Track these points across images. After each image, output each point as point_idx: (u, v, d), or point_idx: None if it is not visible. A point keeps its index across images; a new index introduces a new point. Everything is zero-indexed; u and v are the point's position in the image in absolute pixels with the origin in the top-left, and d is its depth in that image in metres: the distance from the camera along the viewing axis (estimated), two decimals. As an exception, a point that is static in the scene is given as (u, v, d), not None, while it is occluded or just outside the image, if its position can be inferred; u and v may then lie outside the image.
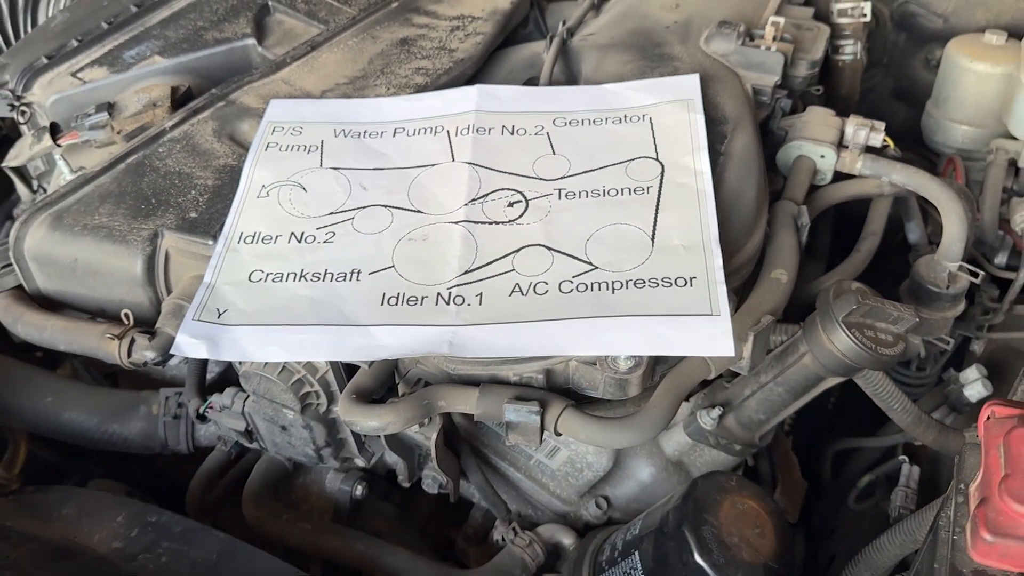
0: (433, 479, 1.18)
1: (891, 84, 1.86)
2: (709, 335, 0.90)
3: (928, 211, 1.47)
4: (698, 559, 0.94)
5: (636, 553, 1.03)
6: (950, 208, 1.16)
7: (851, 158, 1.22)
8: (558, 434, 0.95)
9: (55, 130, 1.28)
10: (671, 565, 0.98)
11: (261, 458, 1.26)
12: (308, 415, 1.04)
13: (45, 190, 1.40)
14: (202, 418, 1.15)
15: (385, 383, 1.02)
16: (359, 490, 1.23)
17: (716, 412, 1.12)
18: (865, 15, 1.53)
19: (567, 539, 1.17)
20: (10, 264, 1.17)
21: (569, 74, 1.33)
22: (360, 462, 1.16)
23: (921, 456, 1.35)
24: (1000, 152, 1.50)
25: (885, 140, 1.24)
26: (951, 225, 1.17)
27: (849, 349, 1.00)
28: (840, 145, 1.23)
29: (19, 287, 1.20)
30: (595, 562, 1.11)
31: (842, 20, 1.53)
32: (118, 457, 1.53)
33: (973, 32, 1.66)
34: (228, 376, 1.24)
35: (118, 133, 1.25)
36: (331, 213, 1.10)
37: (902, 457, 1.33)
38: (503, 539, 1.23)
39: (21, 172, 1.37)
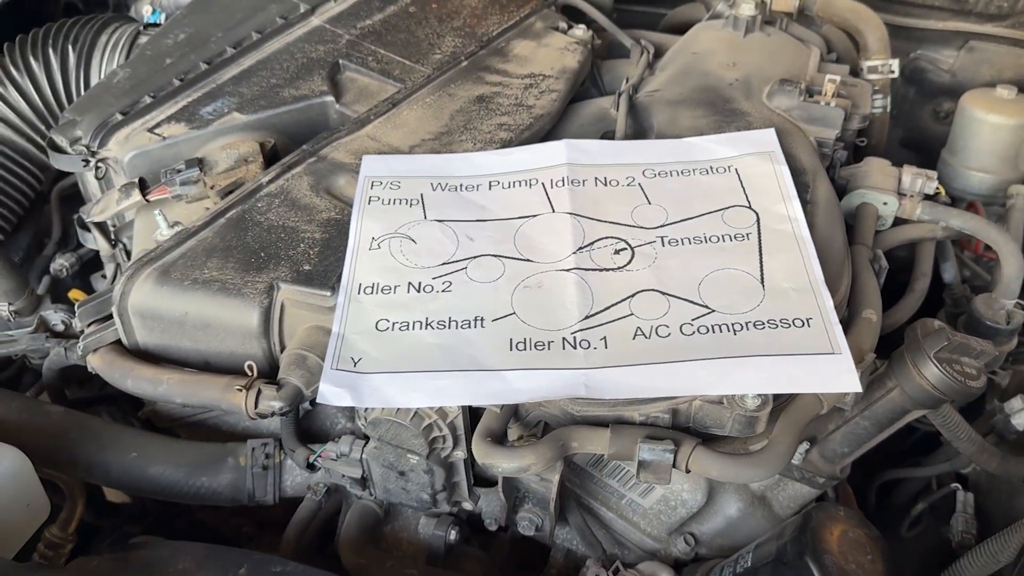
0: (530, 521, 1.21)
1: (900, 134, 1.99)
2: (834, 372, 0.97)
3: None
4: (823, 587, 0.99)
5: (751, 585, 1.07)
6: (1008, 250, 1.26)
7: (911, 205, 1.31)
8: (687, 471, 1.00)
9: (144, 185, 1.29)
10: (792, 595, 1.02)
11: (353, 505, 1.27)
12: (432, 459, 1.07)
13: (124, 245, 1.41)
14: (311, 467, 1.16)
15: (507, 425, 1.06)
16: (453, 535, 1.25)
17: (804, 447, 1.18)
18: (893, 71, 1.64)
19: (665, 575, 1.20)
20: (110, 317, 1.18)
21: (638, 128, 1.40)
22: (468, 505, 1.19)
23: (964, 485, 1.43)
24: (1020, 197, 1.61)
25: (937, 188, 1.34)
26: (1009, 266, 1.26)
27: (941, 383, 1.07)
28: (899, 192, 1.32)
29: (117, 341, 1.20)
30: (701, 596, 1.15)
31: (872, 76, 1.64)
32: (154, 512, 1.51)
33: (979, 86, 1.79)
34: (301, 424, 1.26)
35: (211, 188, 1.27)
36: (444, 263, 1.14)
37: (955, 485, 1.41)
38: (597, 578, 1.26)
39: (102, 227, 1.38)
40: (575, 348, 1.03)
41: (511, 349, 1.03)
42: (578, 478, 1.24)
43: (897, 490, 1.64)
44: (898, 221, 1.36)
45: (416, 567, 1.23)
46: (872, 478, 1.66)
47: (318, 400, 0.99)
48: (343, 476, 1.15)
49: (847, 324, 1.12)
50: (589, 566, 1.27)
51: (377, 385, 1.00)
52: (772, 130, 1.29)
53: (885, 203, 1.32)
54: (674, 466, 0.99)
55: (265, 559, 1.07)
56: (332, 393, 0.99)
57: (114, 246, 1.41)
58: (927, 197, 1.34)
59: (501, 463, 0.98)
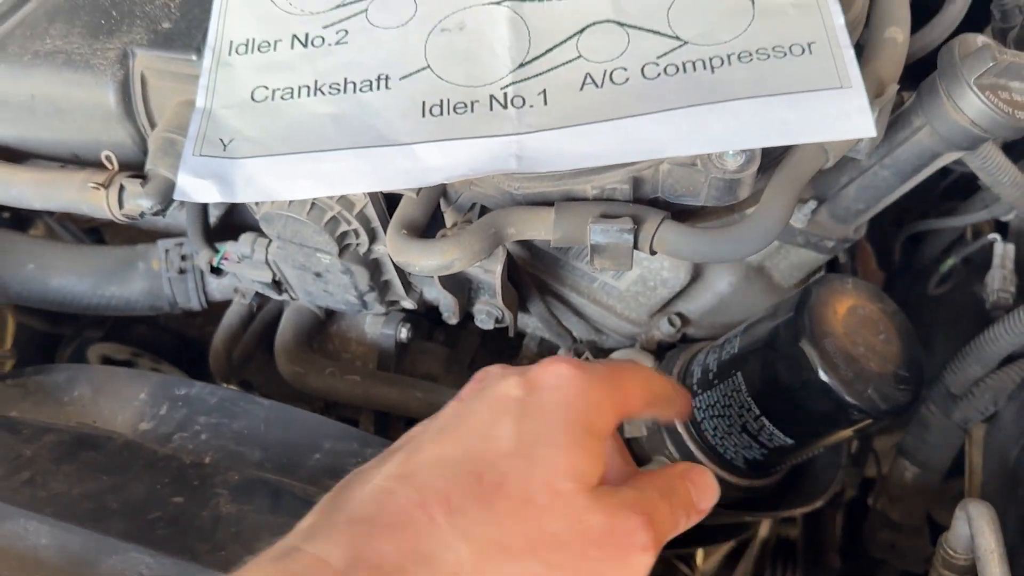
0: (488, 314, 1.04)
1: None
2: (842, 113, 0.73)
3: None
4: (823, 376, 0.81)
5: (738, 374, 0.90)
6: (1086, -67, 0.96)
7: None
8: (653, 253, 0.80)
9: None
10: (786, 385, 0.86)
11: (288, 307, 1.11)
12: (347, 258, 0.88)
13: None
14: (216, 271, 0.99)
15: (432, 212, 0.86)
16: (404, 333, 1.09)
17: (810, 207, 0.97)
18: None
19: (647, 363, 1.05)
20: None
21: None
22: (407, 304, 1.01)
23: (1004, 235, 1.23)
24: None
25: None
26: (1085, -45, 0.97)
27: (983, 116, 0.83)
28: None
29: (-33, 138, 1.00)
30: (683, 386, 0.99)
31: None
32: (116, 318, 1.39)
33: None
34: (233, 218, 1.07)
35: (51, -68, 1.00)
36: (337, 6, 0.88)
37: (993, 235, 1.20)
38: (570, 369, 1.11)
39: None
40: (505, 108, 0.79)
41: (424, 115, 0.80)
42: (542, 263, 1.05)
43: (926, 243, 1.44)
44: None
45: (361, 371, 1.08)
46: (898, 231, 1.46)
47: (176, 196, 0.79)
48: (253, 281, 0.97)
49: (864, 47, 0.86)
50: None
51: (252, 172, 0.78)
52: None
53: None
54: (636, 247, 0.79)
55: (169, 381, 0.93)
56: (194, 187, 0.78)
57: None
58: None
59: (418, 261, 0.78)
